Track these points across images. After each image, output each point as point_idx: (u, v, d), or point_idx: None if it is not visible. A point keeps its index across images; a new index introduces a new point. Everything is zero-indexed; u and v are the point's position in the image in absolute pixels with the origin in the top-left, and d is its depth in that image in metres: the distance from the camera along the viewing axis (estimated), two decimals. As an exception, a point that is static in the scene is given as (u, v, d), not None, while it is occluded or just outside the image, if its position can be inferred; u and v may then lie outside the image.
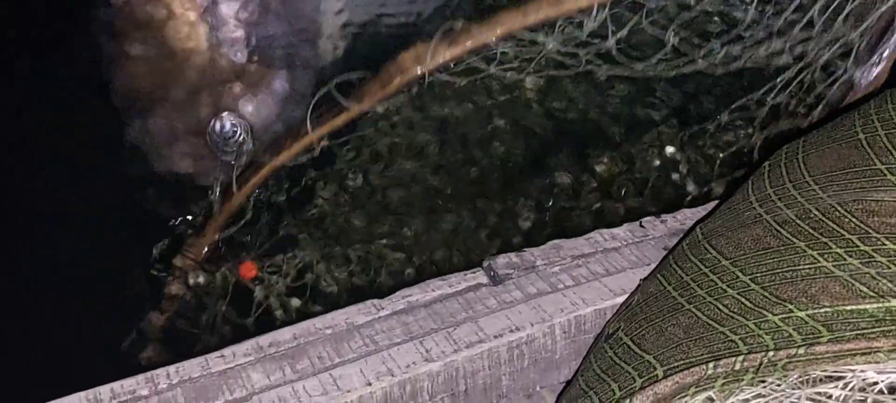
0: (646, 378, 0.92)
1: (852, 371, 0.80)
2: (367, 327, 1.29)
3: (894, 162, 1.08)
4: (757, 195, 1.15)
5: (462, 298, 1.33)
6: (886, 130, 1.13)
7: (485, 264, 1.40)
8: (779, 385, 0.82)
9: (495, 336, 1.25)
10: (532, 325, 1.27)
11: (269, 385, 1.20)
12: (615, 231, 1.43)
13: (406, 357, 1.22)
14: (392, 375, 1.20)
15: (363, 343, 1.26)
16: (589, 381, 1.05)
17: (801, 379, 0.82)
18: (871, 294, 0.90)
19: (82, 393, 1.22)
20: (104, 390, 1.22)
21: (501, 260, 1.40)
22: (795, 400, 0.80)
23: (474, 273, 1.38)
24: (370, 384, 1.19)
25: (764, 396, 0.82)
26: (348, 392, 1.18)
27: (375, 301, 1.34)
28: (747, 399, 0.82)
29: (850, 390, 0.78)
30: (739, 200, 1.18)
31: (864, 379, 0.79)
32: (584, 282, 1.33)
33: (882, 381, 0.78)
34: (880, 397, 0.77)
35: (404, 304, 1.32)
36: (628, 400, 0.91)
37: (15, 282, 1.63)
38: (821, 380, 0.81)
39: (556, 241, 1.44)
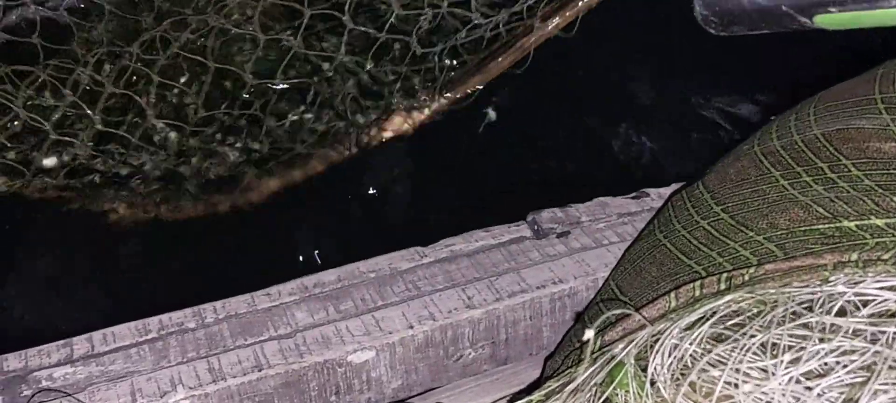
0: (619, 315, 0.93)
1: (820, 289, 0.80)
2: (409, 273, 1.30)
3: (894, 93, 1.06)
4: (762, 130, 1.16)
5: (505, 249, 1.34)
6: None
7: (529, 218, 1.40)
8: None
9: (537, 287, 1.26)
10: (575, 278, 1.27)
11: (313, 324, 1.22)
12: (663, 190, 1.42)
13: (448, 303, 1.24)
14: (433, 319, 1.21)
15: (406, 287, 1.27)
16: (577, 332, 1.07)
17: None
18: (827, 215, 0.91)
19: (131, 324, 1.25)
20: (153, 321, 1.25)
21: (545, 214, 1.40)
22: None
23: (518, 225, 1.38)
24: (412, 327, 1.20)
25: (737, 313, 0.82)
26: (390, 333, 1.20)
27: (419, 248, 1.35)
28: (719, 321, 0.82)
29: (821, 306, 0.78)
30: (749, 138, 1.18)
31: (831, 296, 0.79)
32: (628, 240, 1.32)
33: (844, 295, 0.78)
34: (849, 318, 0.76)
35: (447, 253, 1.33)
36: (600, 337, 0.91)
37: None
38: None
39: (601, 198, 1.44)
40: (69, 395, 1.12)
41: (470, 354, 1.25)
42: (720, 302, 0.83)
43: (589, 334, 0.83)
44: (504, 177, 1.74)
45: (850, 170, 0.98)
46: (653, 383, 0.83)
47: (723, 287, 0.88)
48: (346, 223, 1.65)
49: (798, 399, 0.70)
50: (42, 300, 1.52)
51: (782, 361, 0.72)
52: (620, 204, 1.42)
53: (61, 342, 1.22)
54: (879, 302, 0.79)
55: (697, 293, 0.89)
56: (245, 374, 1.16)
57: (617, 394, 0.86)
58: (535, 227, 1.38)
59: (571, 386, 0.89)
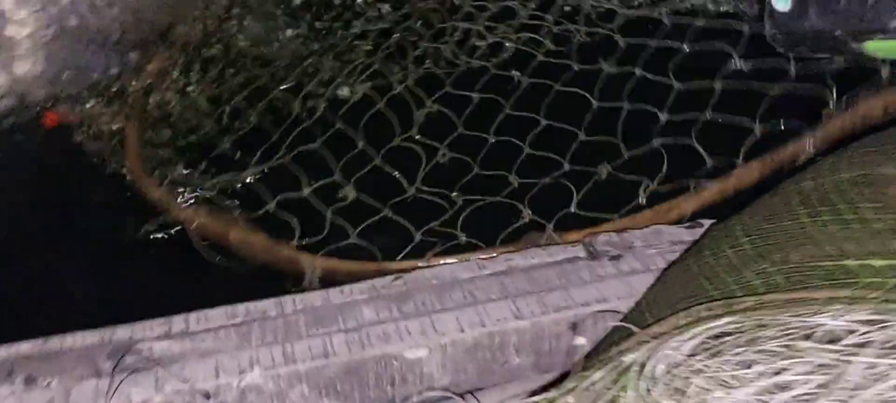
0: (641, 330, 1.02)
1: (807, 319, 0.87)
2: (468, 282, 1.43)
3: None
4: (801, 172, 1.22)
5: (559, 267, 1.44)
6: None
7: (585, 240, 1.50)
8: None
9: (582, 305, 1.36)
10: (618, 299, 1.36)
11: (377, 321, 1.37)
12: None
13: (498, 313, 1.35)
14: (483, 326, 1.33)
15: (463, 295, 1.40)
16: (606, 343, 1.16)
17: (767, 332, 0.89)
18: (833, 253, 0.97)
19: (222, 308, 1.43)
20: (241, 307, 1.42)
21: (602, 238, 1.50)
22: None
23: (574, 247, 1.49)
24: (463, 331, 1.33)
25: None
26: (443, 335, 1.33)
27: (480, 260, 1.48)
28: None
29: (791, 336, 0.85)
30: (795, 176, 1.25)
31: (813, 326, 0.86)
32: (675, 266, 1.40)
33: (823, 326, 0.85)
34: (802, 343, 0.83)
35: (505, 266, 1.45)
36: (617, 347, 1.00)
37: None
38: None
39: (657, 226, 1.52)
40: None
41: (515, 360, 1.36)
42: (715, 323, 0.92)
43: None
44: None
45: (864, 213, 1.04)
46: (649, 390, 0.93)
47: (724, 310, 0.96)
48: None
49: (760, 408, 0.79)
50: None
51: (749, 374, 0.81)
52: (674, 233, 1.50)
53: (163, 319, 1.41)
54: (862, 333, 0.86)
55: (703, 314, 0.98)
56: (313, 360, 1.31)
57: (621, 396, 0.96)
58: (591, 249, 1.48)
59: (584, 385, 0.99)
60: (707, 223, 1.51)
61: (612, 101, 1.98)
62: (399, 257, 1.67)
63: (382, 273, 1.51)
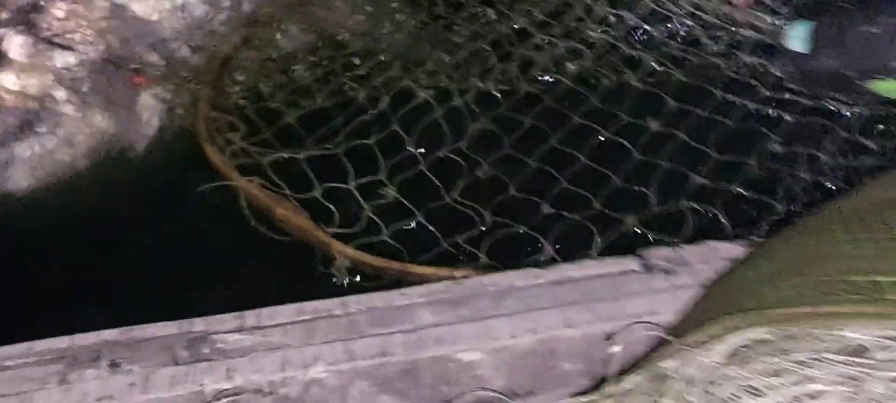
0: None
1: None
2: (523, 290, 1.49)
3: None
4: (843, 194, 1.25)
5: (611, 279, 1.49)
6: None
7: (639, 254, 1.54)
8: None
9: (631, 317, 1.40)
10: (668, 313, 1.40)
11: (434, 324, 1.44)
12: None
13: (549, 321, 1.41)
14: (534, 333, 1.39)
15: (517, 302, 1.46)
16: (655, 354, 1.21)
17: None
18: (865, 268, 1.02)
19: (292, 305, 1.52)
20: (308, 306, 1.51)
21: (656, 251, 1.53)
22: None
23: (626, 259, 1.53)
24: (514, 337, 1.39)
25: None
26: (495, 339, 1.39)
27: (536, 270, 1.53)
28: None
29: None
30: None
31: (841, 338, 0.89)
32: (726, 282, 1.43)
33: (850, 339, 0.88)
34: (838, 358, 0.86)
35: (559, 276, 1.51)
36: (656, 353, 1.05)
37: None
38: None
39: (712, 243, 1.55)
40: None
41: (566, 367, 1.41)
42: (747, 333, 0.97)
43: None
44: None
45: (877, 233, 1.07)
46: (685, 395, 0.98)
47: (758, 320, 1.00)
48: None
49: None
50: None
51: (777, 383, 0.85)
52: (728, 249, 1.52)
53: (236, 313, 1.50)
54: (887, 347, 0.90)
55: (736, 323, 1.02)
56: (373, 358, 1.39)
57: (659, 400, 1.02)
58: (645, 262, 1.52)
59: (623, 388, 1.05)
60: (758, 240, 1.54)
61: (652, 157, 2.07)
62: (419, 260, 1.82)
63: (405, 274, 1.65)
